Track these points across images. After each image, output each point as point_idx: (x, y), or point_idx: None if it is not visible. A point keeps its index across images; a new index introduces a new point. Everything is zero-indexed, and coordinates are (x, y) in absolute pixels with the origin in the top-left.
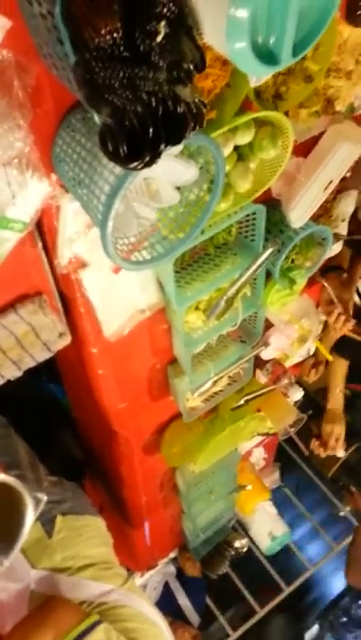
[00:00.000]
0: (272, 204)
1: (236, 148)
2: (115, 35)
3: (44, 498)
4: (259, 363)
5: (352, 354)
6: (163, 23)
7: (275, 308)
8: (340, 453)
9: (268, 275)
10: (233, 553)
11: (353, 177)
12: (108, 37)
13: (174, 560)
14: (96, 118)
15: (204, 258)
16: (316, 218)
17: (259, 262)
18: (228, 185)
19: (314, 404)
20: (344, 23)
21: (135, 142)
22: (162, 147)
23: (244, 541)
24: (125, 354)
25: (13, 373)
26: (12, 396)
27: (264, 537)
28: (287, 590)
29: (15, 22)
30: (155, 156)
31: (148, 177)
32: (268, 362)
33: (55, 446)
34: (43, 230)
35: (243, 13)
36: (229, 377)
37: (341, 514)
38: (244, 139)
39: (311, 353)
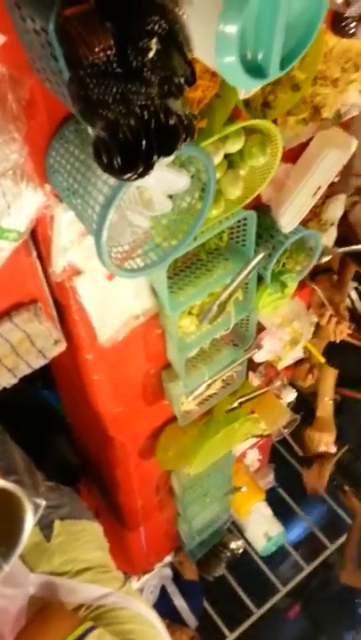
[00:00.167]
0: (262, 210)
1: (227, 155)
2: (108, 52)
3: (43, 503)
4: (252, 365)
5: (342, 359)
6: (154, 40)
7: (267, 311)
8: (333, 449)
9: (260, 279)
10: (229, 554)
11: (341, 182)
12: (101, 55)
13: (171, 563)
14: (90, 131)
15: (196, 263)
16: (305, 222)
17: (250, 267)
18: (219, 192)
19: (307, 404)
20: (330, 33)
21: (129, 154)
22: (155, 158)
23: (240, 543)
24: (120, 359)
25: (9, 381)
26: (6, 402)
27: (260, 538)
28: (283, 590)
29: (9, 36)
30: (148, 167)
31: (141, 186)
32: (260, 364)
33: (50, 452)
34: (37, 239)
35: (231, 29)
36: (223, 380)
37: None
38: (234, 147)
39: (304, 356)
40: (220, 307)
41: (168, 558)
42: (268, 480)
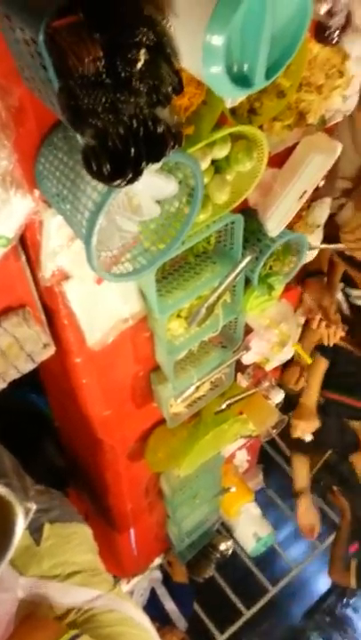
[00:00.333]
0: (249, 214)
1: (214, 161)
2: (97, 63)
3: (34, 507)
4: (240, 367)
5: (330, 359)
6: (143, 51)
7: (254, 313)
8: (308, 437)
9: (247, 281)
10: (218, 556)
11: (326, 185)
12: (91, 66)
13: (160, 565)
14: (79, 139)
15: (184, 267)
16: (292, 225)
17: (238, 270)
18: (207, 197)
19: (295, 405)
20: (314, 41)
21: (118, 161)
22: (143, 165)
23: (230, 543)
24: (109, 362)
25: None
26: None
27: (249, 538)
28: (273, 591)
29: None
30: (137, 174)
31: (129, 191)
32: (248, 366)
33: (38, 456)
34: (26, 244)
35: (218, 41)
36: (211, 382)
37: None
38: (220, 152)
39: (291, 357)
40: (208, 309)
41: (158, 561)
42: (258, 481)
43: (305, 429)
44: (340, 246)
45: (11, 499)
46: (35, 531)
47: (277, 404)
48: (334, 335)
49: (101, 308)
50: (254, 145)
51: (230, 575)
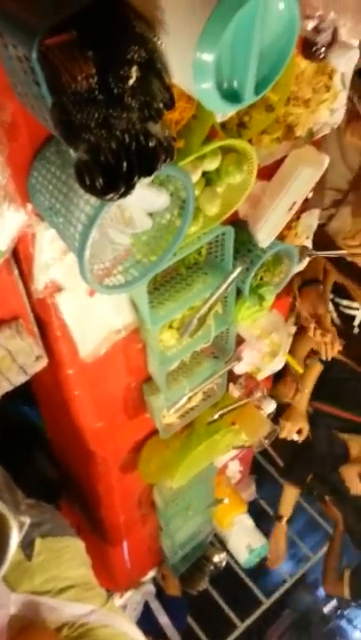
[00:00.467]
0: (240, 225)
1: (204, 173)
2: (90, 80)
3: (28, 520)
4: (232, 377)
5: (324, 365)
6: (134, 68)
7: (246, 323)
8: (295, 437)
9: (239, 292)
10: (212, 568)
11: (315, 196)
12: (84, 83)
13: (153, 579)
14: (72, 153)
15: (175, 278)
16: (281, 236)
17: (229, 281)
18: (198, 208)
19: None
20: (301, 56)
21: (111, 175)
22: (136, 179)
23: (223, 555)
24: (101, 374)
25: None
26: None
27: (242, 550)
28: (267, 603)
29: None
30: (129, 188)
31: (121, 204)
32: (240, 376)
33: (30, 469)
34: (19, 257)
35: (208, 58)
36: (204, 392)
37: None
38: (211, 165)
39: (283, 369)
40: (199, 320)
41: (151, 574)
42: (250, 492)
43: (291, 430)
44: (342, 253)
45: (5, 512)
46: (26, 546)
47: (269, 415)
48: (332, 349)
49: (94, 319)
50: (244, 158)
51: (224, 588)
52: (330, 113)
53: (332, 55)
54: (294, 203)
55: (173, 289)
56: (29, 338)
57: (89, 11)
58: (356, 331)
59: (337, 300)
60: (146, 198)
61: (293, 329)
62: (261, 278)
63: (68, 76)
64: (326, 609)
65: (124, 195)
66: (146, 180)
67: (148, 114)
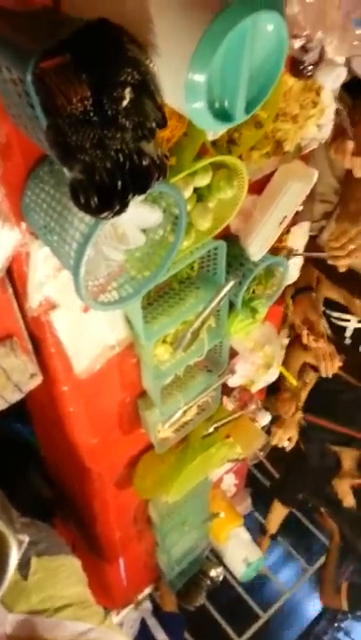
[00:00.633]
0: (231, 240)
1: (196, 189)
2: (85, 102)
3: (26, 539)
4: (226, 390)
5: (314, 386)
6: (128, 90)
7: (239, 336)
8: (285, 444)
9: (231, 305)
10: (209, 583)
11: (305, 209)
12: (78, 105)
13: (150, 596)
14: (67, 173)
15: (169, 293)
16: (273, 249)
17: (221, 295)
18: (190, 224)
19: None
20: (289, 74)
21: (105, 194)
22: (130, 197)
23: (220, 570)
24: (96, 390)
25: None
26: None
27: (239, 563)
28: (265, 616)
29: None
30: (123, 206)
31: (115, 221)
32: (234, 389)
33: (24, 487)
34: (13, 276)
35: (200, 78)
36: (198, 406)
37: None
38: (202, 181)
39: (280, 385)
40: (193, 334)
41: (147, 590)
42: (246, 505)
43: (282, 437)
44: (324, 255)
45: (4, 530)
46: (22, 565)
47: (263, 427)
48: (332, 366)
49: (88, 335)
50: (235, 173)
51: (221, 602)
52: (318, 128)
53: (319, 73)
54: (285, 217)
55: (167, 304)
56: (24, 355)
57: (82, 34)
58: (347, 342)
59: (328, 311)
60: (139, 215)
61: (286, 341)
62: (254, 291)
63: (62, 99)
64: (324, 621)
65: (118, 213)
66: (139, 198)
67: (141, 133)
